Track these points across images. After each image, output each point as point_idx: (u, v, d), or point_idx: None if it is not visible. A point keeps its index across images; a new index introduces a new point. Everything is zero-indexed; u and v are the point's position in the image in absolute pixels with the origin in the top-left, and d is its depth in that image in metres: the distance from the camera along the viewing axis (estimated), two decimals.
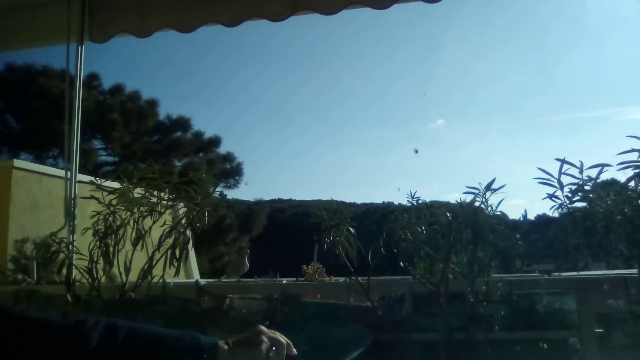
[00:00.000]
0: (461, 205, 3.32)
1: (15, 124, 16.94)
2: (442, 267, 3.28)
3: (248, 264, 3.98)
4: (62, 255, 3.79)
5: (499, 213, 3.29)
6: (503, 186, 3.23)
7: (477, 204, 3.29)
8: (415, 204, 3.45)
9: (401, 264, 3.44)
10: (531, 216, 3.54)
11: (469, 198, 3.29)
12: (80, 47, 4.30)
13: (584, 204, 3.23)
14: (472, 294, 3.25)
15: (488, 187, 3.24)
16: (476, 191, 3.27)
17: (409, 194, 3.43)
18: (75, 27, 4.27)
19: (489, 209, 3.29)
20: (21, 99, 15.86)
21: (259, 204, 20.54)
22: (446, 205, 3.67)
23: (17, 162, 4.89)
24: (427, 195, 3.50)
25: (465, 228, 3.29)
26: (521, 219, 3.44)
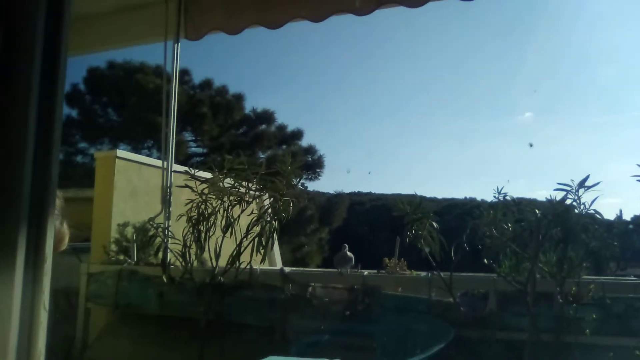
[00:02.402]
0: (551, 202, 3.19)
1: (115, 116, 18.27)
2: (529, 265, 3.18)
3: (350, 256, 4.04)
4: (158, 239, 4.07)
5: (592, 212, 3.13)
6: (597, 183, 3.07)
7: (568, 201, 3.15)
8: (501, 200, 3.37)
9: (485, 260, 3.37)
10: (627, 216, 3.35)
11: (559, 195, 3.16)
12: (176, 45, 4.57)
13: None
14: (561, 295, 3.13)
15: (581, 184, 3.10)
16: (568, 188, 3.13)
17: (496, 190, 3.35)
18: (172, 26, 4.54)
19: (582, 207, 3.14)
20: (120, 93, 17.07)
21: (339, 196, 20.71)
22: (534, 203, 3.55)
23: (119, 152, 5.29)
24: (512, 191, 3.38)
25: (556, 226, 3.17)
26: (616, 218, 3.26)
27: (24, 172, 0.60)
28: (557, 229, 3.18)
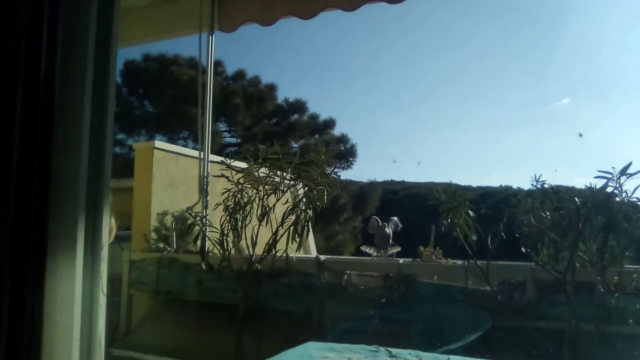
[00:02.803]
0: (591, 190, 3.12)
1: (151, 108, 18.65)
2: (568, 254, 3.12)
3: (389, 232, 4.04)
4: (197, 228, 4.17)
5: (634, 200, 3.05)
6: None
7: (609, 189, 3.08)
8: (539, 188, 3.31)
9: (523, 249, 3.33)
10: None
11: (600, 183, 3.09)
12: (210, 37, 4.63)
13: None
14: (602, 284, 3.07)
15: (623, 171, 3.01)
16: (609, 176, 3.05)
17: (533, 178, 3.29)
18: (206, 18, 4.60)
19: (623, 195, 3.06)
20: (155, 85, 17.40)
21: (372, 185, 20.65)
22: (572, 191, 3.47)
23: (157, 143, 5.42)
24: (550, 179, 3.31)
25: (596, 215, 3.10)
26: None
27: (80, 165, 0.63)
28: (598, 217, 3.11)
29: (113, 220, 1.14)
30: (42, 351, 0.61)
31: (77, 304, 0.63)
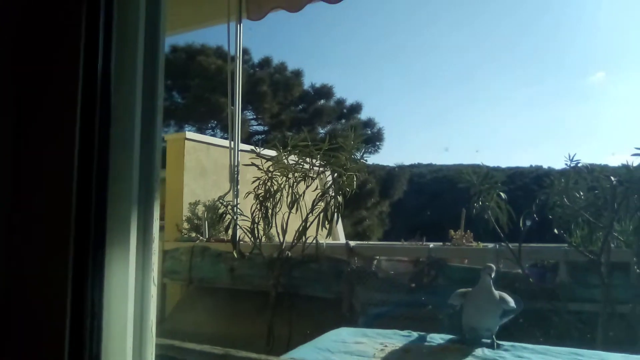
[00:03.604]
0: (628, 168, 3.05)
1: (179, 99, 18.88)
2: (603, 235, 3.08)
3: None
4: (228, 217, 4.24)
5: None
6: None
7: None
8: (573, 167, 3.25)
9: (556, 231, 3.29)
10: None
11: (636, 160, 3.02)
12: (239, 26, 4.65)
13: None
14: (638, 265, 3.02)
15: None
16: None
17: (567, 157, 3.23)
18: (234, 7, 4.62)
19: None
20: (183, 76, 17.58)
21: (400, 168, 20.52)
22: (607, 169, 3.40)
23: (188, 134, 5.51)
24: (583, 157, 3.25)
25: (633, 193, 3.04)
26: None
27: (132, 162, 0.67)
28: (634, 197, 3.05)
29: None
30: (102, 339, 0.65)
31: (131, 294, 0.67)
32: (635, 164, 3.02)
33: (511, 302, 2.17)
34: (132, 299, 0.67)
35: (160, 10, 0.71)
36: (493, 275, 2.15)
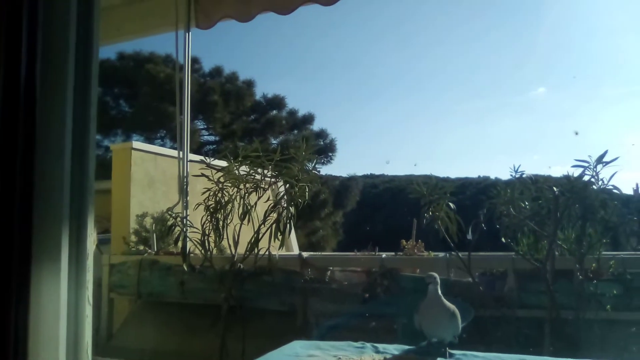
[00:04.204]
0: (569, 179, 3.18)
1: (126, 107, 18.38)
2: (548, 243, 3.17)
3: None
4: (177, 229, 4.12)
5: (610, 187, 3.11)
6: (616, 159, 3.04)
7: (586, 177, 3.13)
8: (518, 177, 3.35)
9: (503, 239, 3.37)
10: None
11: (577, 172, 3.14)
12: (187, 34, 4.57)
13: None
14: (580, 272, 3.13)
15: (599, 160, 3.06)
16: (585, 164, 3.11)
17: (512, 168, 3.33)
18: (182, 15, 4.54)
19: (600, 183, 3.12)
20: (131, 84, 17.14)
21: (352, 179, 20.69)
22: (550, 179, 3.52)
23: (135, 144, 5.34)
24: (527, 168, 3.36)
25: (574, 203, 3.15)
26: (635, 193, 3.23)
27: (63, 173, 0.62)
28: (575, 206, 3.17)
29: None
30: None
31: (63, 314, 0.62)
32: (575, 175, 3.14)
33: (458, 318, 2.19)
34: (64, 319, 0.62)
35: (94, 14, 0.67)
36: (437, 282, 2.17)
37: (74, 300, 0.63)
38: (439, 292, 2.18)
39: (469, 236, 3.34)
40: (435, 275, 2.18)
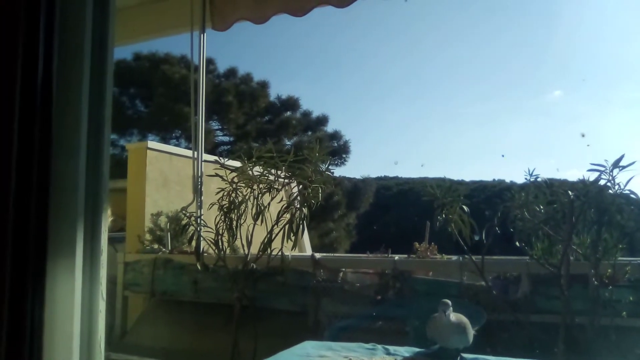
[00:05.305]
0: (584, 183, 3.14)
1: (142, 108, 18.58)
2: (562, 248, 3.14)
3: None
4: (191, 228, 4.15)
5: (627, 192, 3.06)
6: (633, 163, 2.99)
7: (602, 182, 3.09)
8: (533, 181, 3.32)
9: (517, 243, 3.34)
10: None
11: (592, 176, 3.10)
12: (202, 35, 4.61)
13: None
14: (595, 277, 3.09)
15: (616, 164, 3.02)
16: (602, 168, 3.07)
17: (527, 172, 3.30)
18: (197, 17, 4.58)
19: (616, 187, 3.07)
20: (147, 85, 17.33)
21: (366, 181, 20.66)
22: (566, 183, 3.48)
23: (150, 143, 5.40)
24: (542, 172, 3.33)
25: (589, 208, 3.11)
26: None
27: (78, 169, 0.63)
28: (591, 210, 3.13)
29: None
30: (43, 356, 0.60)
31: (77, 309, 0.63)
32: (591, 179, 3.10)
33: (469, 333, 2.18)
34: (78, 314, 0.63)
35: (109, 15, 0.68)
36: (448, 312, 2.16)
37: (88, 295, 0.65)
38: (452, 317, 2.17)
39: (476, 237, 3.31)
40: (449, 302, 2.18)
